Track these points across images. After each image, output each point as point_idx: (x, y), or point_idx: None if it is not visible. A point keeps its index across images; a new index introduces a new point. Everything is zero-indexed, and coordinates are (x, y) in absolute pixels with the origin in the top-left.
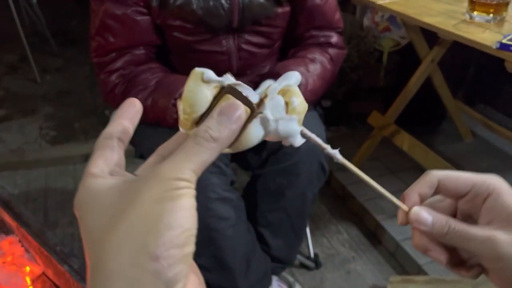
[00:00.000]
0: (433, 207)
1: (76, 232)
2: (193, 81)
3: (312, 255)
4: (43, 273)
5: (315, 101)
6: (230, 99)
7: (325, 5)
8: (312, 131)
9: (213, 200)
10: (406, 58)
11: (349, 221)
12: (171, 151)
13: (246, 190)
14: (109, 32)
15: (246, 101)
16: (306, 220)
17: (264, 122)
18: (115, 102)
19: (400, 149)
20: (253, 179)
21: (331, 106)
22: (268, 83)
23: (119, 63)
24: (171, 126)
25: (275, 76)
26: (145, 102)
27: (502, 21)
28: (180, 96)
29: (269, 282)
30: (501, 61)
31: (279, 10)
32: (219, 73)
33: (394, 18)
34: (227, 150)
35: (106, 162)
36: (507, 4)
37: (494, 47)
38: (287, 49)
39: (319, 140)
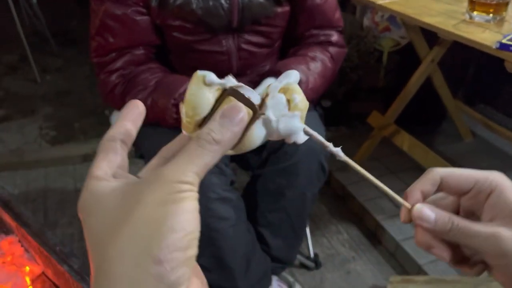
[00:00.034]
0: (435, 204)
1: (75, 232)
2: (195, 84)
3: (312, 255)
4: (43, 273)
5: (316, 99)
6: (232, 101)
7: (325, 4)
8: None
9: (213, 200)
10: (406, 58)
11: (349, 221)
12: (174, 153)
13: (246, 190)
14: (109, 32)
15: (248, 102)
16: (306, 220)
17: (267, 123)
18: (115, 102)
19: (400, 149)
20: (253, 179)
21: (331, 106)
22: (269, 81)
23: (119, 63)
24: (171, 126)
25: (276, 74)
26: (144, 102)
27: (502, 21)
28: (179, 96)
29: (269, 282)
30: (501, 61)
31: (279, 9)
32: (219, 73)
33: (394, 18)
34: (230, 152)
35: (109, 164)
36: (507, 4)
37: (494, 47)
38: (287, 49)
39: (321, 138)
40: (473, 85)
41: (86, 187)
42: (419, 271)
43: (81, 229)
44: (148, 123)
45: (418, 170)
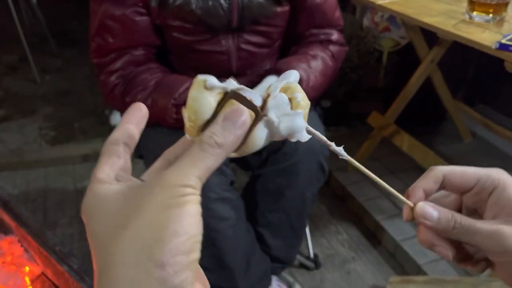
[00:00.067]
0: (438, 202)
1: (75, 232)
2: (196, 89)
3: (311, 255)
4: (43, 273)
5: (317, 97)
6: (234, 104)
7: (325, 4)
8: None
9: (213, 200)
10: (406, 58)
11: (348, 221)
12: (176, 155)
13: (245, 190)
14: (109, 33)
15: (250, 105)
16: (305, 220)
17: (269, 124)
18: (115, 102)
19: (399, 149)
20: (252, 179)
21: (331, 106)
22: (270, 79)
23: (118, 64)
24: (171, 126)
25: (277, 72)
26: (144, 102)
27: (501, 21)
28: (179, 96)
29: (269, 282)
30: (501, 61)
31: (279, 9)
32: (219, 73)
33: (393, 18)
34: (233, 155)
35: (112, 167)
36: (506, 4)
37: (493, 47)
38: (287, 49)
39: (323, 137)
40: (473, 85)
41: (89, 190)
42: (419, 271)
43: (81, 229)
44: (148, 123)
45: (418, 170)
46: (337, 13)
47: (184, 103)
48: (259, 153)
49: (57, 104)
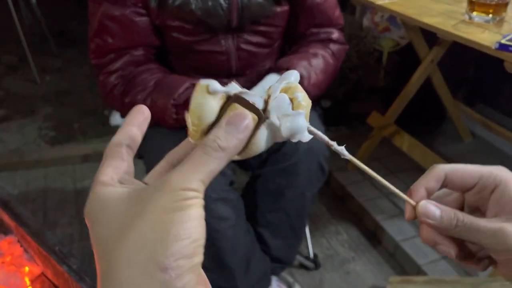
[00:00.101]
0: (440, 201)
1: (75, 233)
2: (199, 93)
3: (311, 255)
4: (42, 273)
5: (318, 96)
6: (237, 108)
7: (325, 3)
8: None
9: (213, 200)
10: (406, 58)
11: (348, 222)
12: (179, 158)
13: (245, 190)
14: (108, 34)
15: (253, 108)
16: (305, 220)
17: (272, 127)
18: (114, 103)
19: (399, 149)
20: (252, 179)
21: (331, 106)
22: (271, 77)
23: (118, 64)
24: (171, 127)
25: (278, 70)
26: (144, 102)
27: (501, 22)
28: (178, 96)
29: (269, 282)
30: (501, 61)
31: (278, 9)
32: (219, 73)
33: (393, 18)
34: (236, 157)
35: (115, 170)
36: (506, 4)
37: (493, 47)
38: (287, 49)
39: (325, 137)
40: (473, 86)
41: (92, 193)
42: (419, 271)
43: (81, 230)
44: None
45: (418, 170)
46: (337, 12)
47: (184, 103)
48: (259, 153)
49: (57, 104)
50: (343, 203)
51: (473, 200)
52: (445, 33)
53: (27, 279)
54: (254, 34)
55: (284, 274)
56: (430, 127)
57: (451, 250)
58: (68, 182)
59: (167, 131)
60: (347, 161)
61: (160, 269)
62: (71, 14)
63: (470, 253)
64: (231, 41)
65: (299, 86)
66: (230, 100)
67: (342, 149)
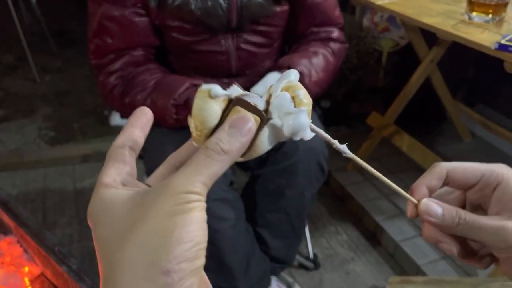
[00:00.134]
0: (442, 199)
1: (74, 233)
2: (201, 98)
3: (311, 255)
4: (42, 273)
5: (319, 94)
6: (239, 111)
7: (325, 3)
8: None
9: (212, 201)
10: (406, 58)
11: (348, 222)
12: (181, 160)
13: (245, 190)
14: (107, 34)
15: (255, 110)
16: (305, 220)
17: (275, 127)
18: (114, 103)
19: (399, 150)
20: (252, 179)
21: (330, 106)
22: (272, 75)
23: (117, 65)
24: (171, 127)
25: (279, 68)
26: (144, 103)
27: (501, 22)
28: (178, 96)
29: (268, 282)
30: (500, 61)
31: (278, 9)
32: (218, 73)
33: (393, 19)
34: (240, 159)
35: (118, 172)
36: (506, 4)
37: (492, 47)
38: (287, 48)
39: (327, 135)
40: (472, 86)
41: (95, 194)
42: (418, 271)
43: (80, 230)
44: None
45: (418, 170)
46: (337, 11)
47: (184, 103)
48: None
49: (57, 104)
50: (342, 203)
51: (475, 198)
52: (445, 33)
53: (26, 279)
54: (254, 34)
55: (284, 274)
56: (430, 127)
57: (453, 248)
58: (67, 182)
59: (167, 131)
60: (347, 161)
61: (162, 272)
62: (71, 14)
63: (472, 251)
64: (231, 41)
65: (300, 84)
66: (232, 103)
67: (344, 148)
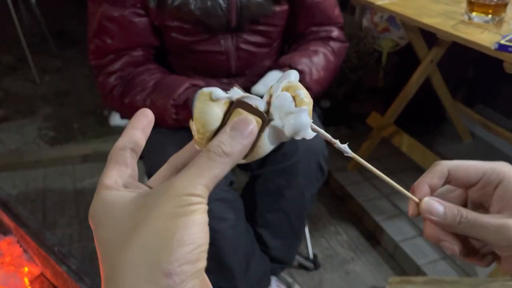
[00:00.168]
0: (443, 197)
1: (74, 233)
2: (202, 102)
3: (311, 255)
4: (42, 273)
5: (320, 92)
6: (241, 113)
7: (325, 2)
8: None
9: (212, 201)
10: (405, 58)
11: (348, 222)
12: (183, 162)
13: (245, 190)
14: (107, 34)
15: (256, 112)
16: (305, 220)
17: (276, 129)
18: (114, 103)
19: (399, 150)
20: (252, 179)
21: (330, 106)
22: (272, 74)
23: (117, 65)
24: (170, 127)
25: (279, 67)
26: (143, 103)
27: (500, 22)
28: (178, 97)
29: (268, 282)
30: (500, 62)
31: (277, 8)
32: (218, 73)
33: (393, 19)
34: (242, 161)
35: (119, 173)
36: (505, 5)
37: (492, 48)
38: (286, 48)
39: (328, 135)
40: (472, 86)
41: (96, 196)
42: (418, 271)
43: (80, 230)
44: None
45: (417, 171)
46: (337, 11)
47: (183, 104)
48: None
49: (57, 105)
50: (342, 203)
51: (477, 196)
52: (445, 34)
53: (26, 280)
54: (254, 33)
55: (284, 274)
56: (430, 127)
57: (454, 246)
58: (67, 182)
59: (167, 132)
60: (347, 162)
61: (164, 274)
62: (70, 14)
63: (473, 249)
64: (231, 41)
65: (300, 84)
66: (233, 105)
67: (345, 147)
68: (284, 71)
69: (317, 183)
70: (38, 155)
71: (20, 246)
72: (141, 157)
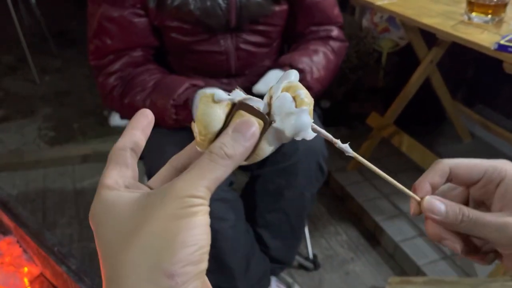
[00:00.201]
0: (445, 195)
1: (74, 233)
2: (204, 103)
3: (310, 256)
4: (41, 273)
5: (321, 92)
6: (243, 115)
7: (324, 2)
8: None
9: (212, 201)
10: (405, 59)
11: (347, 222)
12: (183, 163)
13: (244, 190)
14: (106, 35)
15: (258, 114)
16: (304, 221)
17: (277, 130)
18: (114, 104)
19: (399, 150)
20: (252, 179)
21: (330, 106)
22: (273, 73)
23: (117, 65)
24: (170, 127)
25: (280, 66)
26: (143, 103)
27: (500, 22)
28: (178, 97)
29: (268, 282)
30: (500, 62)
31: (277, 8)
32: (218, 73)
33: (393, 19)
34: (244, 163)
35: (120, 174)
36: (505, 5)
37: (492, 48)
38: (286, 48)
39: (329, 135)
40: (472, 86)
41: (97, 196)
42: (418, 272)
43: (80, 230)
44: None
45: (417, 171)
46: (336, 10)
47: (183, 104)
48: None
49: (57, 105)
50: (342, 203)
51: (478, 194)
52: (444, 34)
53: (26, 280)
54: (253, 33)
55: (284, 274)
56: (429, 127)
57: (456, 245)
58: (67, 183)
59: (167, 132)
60: (347, 162)
61: (166, 275)
62: (70, 14)
63: (475, 247)
64: (230, 41)
65: (300, 84)
66: (235, 107)
67: (346, 147)
68: (284, 70)
69: (317, 183)
70: (38, 155)
71: (20, 246)
72: (141, 157)
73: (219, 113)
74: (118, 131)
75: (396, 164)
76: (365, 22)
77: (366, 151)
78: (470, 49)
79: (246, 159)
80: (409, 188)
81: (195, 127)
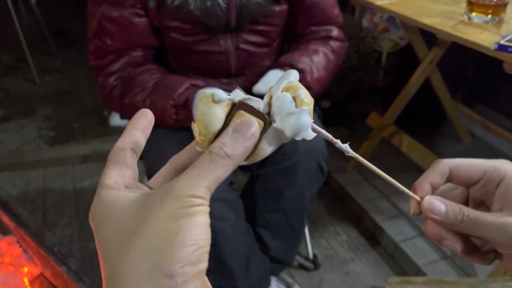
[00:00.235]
0: (445, 195)
1: (74, 233)
2: (204, 103)
3: (310, 256)
4: (41, 273)
5: (321, 92)
6: (243, 115)
7: (324, 1)
8: None
9: (212, 201)
10: (405, 59)
11: (347, 222)
12: (183, 163)
13: (244, 190)
14: (106, 35)
15: (258, 114)
16: (304, 221)
17: (277, 130)
18: (114, 104)
19: (399, 150)
20: (251, 179)
21: (330, 106)
22: (273, 73)
23: (117, 65)
24: (170, 127)
25: (280, 66)
26: (143, 103)
27: (500, 22)
28: (178, 97)
29: (268, 282)
30: (500, 62)
31: (277, 8)
32: (218, 73)
33: (393, 19)
34: (244, 163)
35: (120, 174)
36: (505, 5)
37: (492, 48)
38: (286, 48)
39: (329, 135)
40: (472, 86)
41: (97, 196)
42: (418, 272)
43: (80, 230)
44: None
45: (417, 171)
46: (336, 10)
47: (183, 104)
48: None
49: (57, 105)
50: (342, 203)
51: (478, 194)
52: (444, 34)
53: (26, 280)
54: (253, 33)
55: (284, 274)
56: (429, 127)
57: (456, 244)
58: (67, 183)
59: (167, 132)
60: (347, 162)
61: (166, 275)
62: (70, 14)
63: (475, 247)
64: (230, 41)
65: (300, 84)
66: (236, 107)
67: (346, 147)
68: (284, 70)
69: (317, 183)
70: (38, 155)
71: (20, 246)
72: (141, 157)
73: (219, 113)
74: (118, 131)
75: (396, 164)
76: (365, 22)
77: (366, 151)
78: (470, 49)
79: (246, 159)
80: (409, 188)
81: (195, 127)
